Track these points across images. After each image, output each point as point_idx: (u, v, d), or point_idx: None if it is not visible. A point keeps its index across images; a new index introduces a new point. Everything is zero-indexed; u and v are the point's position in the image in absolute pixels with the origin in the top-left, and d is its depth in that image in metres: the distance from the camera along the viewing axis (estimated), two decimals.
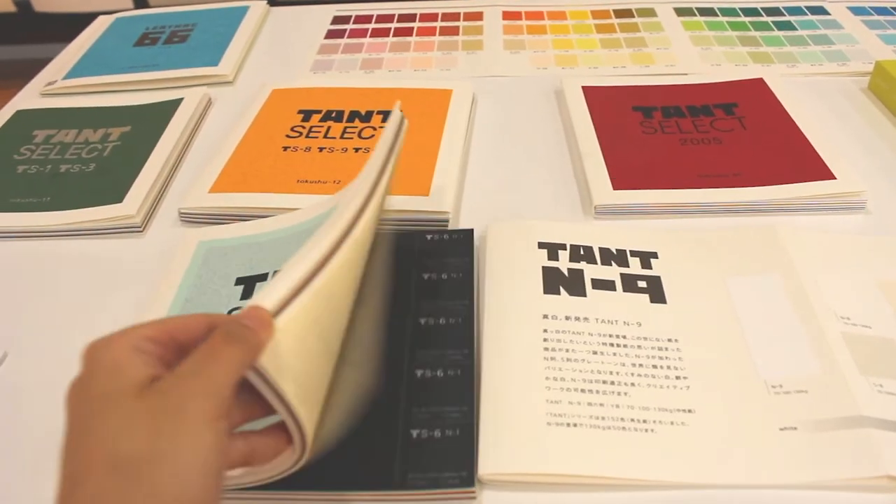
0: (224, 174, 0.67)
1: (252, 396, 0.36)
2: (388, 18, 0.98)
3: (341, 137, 0.71)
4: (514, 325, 0.51)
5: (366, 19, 0.99)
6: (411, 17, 0.98)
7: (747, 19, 0.94)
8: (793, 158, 0.66)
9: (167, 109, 0.78)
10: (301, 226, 0.59)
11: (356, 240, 0.43)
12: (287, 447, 0.38)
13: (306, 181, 0.65)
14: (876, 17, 0.93)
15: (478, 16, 0.97)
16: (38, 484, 0.39)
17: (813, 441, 0.44)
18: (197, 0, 1.06)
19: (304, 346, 0.38)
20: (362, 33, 0.95)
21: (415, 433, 0.45)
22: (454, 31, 0.94)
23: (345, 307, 0.44)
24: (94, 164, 0.70)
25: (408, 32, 0.94)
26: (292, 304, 0.37)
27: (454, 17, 0.97)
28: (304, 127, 0.73)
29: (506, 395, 0.47)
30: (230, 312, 0.53)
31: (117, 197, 0.65)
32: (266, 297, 0.36)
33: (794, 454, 0.44)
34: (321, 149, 0.69)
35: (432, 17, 0.98)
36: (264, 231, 0.60)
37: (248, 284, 0.55)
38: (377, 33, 0.95)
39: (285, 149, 0.70)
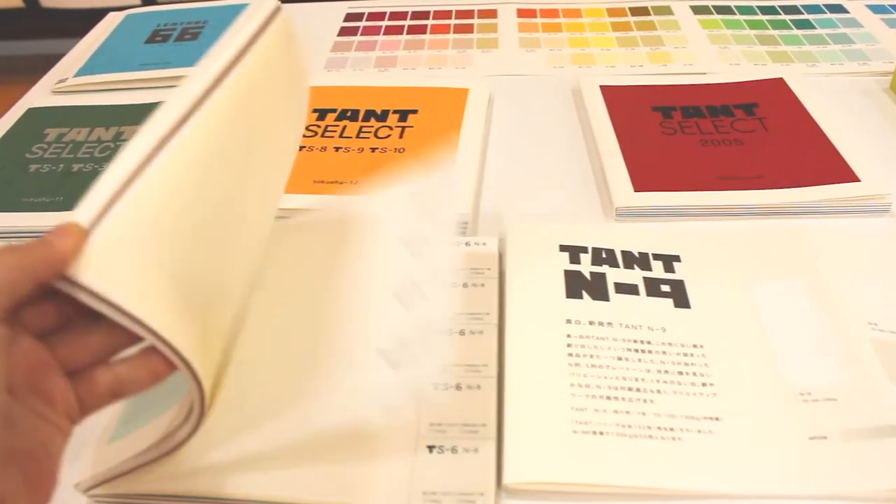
0: None
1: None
2: (401, 16, 0.97)
3: (357, 137, 0.70)
4: (538, 329, 0.50)
5: (379, 16, 0.98)
6: (425, 15, 0.97)
7: (765, 17, 0.93)
8: (816, 160, 0.66)
9: None
10: None
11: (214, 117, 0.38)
12: (164, 368, 0.35)
13: (322, 181, 0.64)
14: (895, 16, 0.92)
15: (492, 13, 0.96)
16: None
17: (843, 451, 0.44)
18: None
19: (165, 252, 0.35)
20: (376, 31, 0.94)
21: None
22: (469, 29, 0.93)
23: (235, 193, 0.40)
24: (107, 164, 0.69)
25: (422, 30, 0.94)
26: (112, 210, 0.33)
27: (468, 14, 0.97)
28: (319, 126, 0.72)
29: (530, 402, 0.46)
30: None
31: None
32: (77, 209, 0.33)
33: (825, 464, 0.43)
34: (337, 148, 0.69)
35: (446, 14, 0.97)
36: None
37: None
38: (391, 31, 0.94)
39: (301, 148, 0.69)
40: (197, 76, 0.39)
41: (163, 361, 0.35)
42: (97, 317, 0.32)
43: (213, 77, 0.39)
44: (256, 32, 0.42)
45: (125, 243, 0.33)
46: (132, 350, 0.35)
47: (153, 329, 0.33)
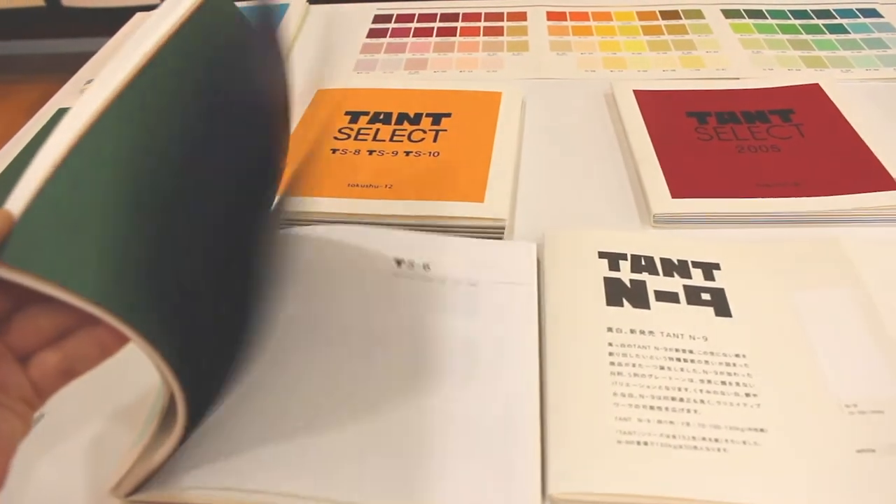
0: None
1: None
2: (430, 18, 0.97)
3: (391, 140, 0.70)
4: (579, 337, 0.50)
5: (408, 18, 0.98)
6: (454, 17, 0.97)
7: (797, 22, 0.92)
8: (854, 167, 0.65)
9: None
10: None
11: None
12: (112, 339, 0.35)
13: (357, 185, 0.64)
14: None
15: (521, 16, 0.96)
16: None
17: (891, 464, 0.43)
18: None
19: (103, 226, 0.34)
20: (405, 33, 0.94)
21: None
22: (499, 32, 0.93)
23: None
24: None
25: (451, 32, 0.93)
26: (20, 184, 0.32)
27: (498, 17, 0.96)
28: (351, 129, 0.72)
29: (573, 411, 0.46)
30: None
31: None
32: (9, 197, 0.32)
33: (873, 478, 0.42)
34: (371, 151, 0.68)
35: (475, 16, 0.97)
36: None
37: None
38: (420, 33, 0.94)
39: (334, 151, 0.69)
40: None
41: (109, 332, 0.34)
42: (47, 299, 0.32)
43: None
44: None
45: (52, 219, 0.32)
46: None
47: (83, 296, 0.32)
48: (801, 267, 0.56)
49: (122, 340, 0.35)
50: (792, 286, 0.54)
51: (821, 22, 0.92)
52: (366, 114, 0.74)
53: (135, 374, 0.47)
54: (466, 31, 0.93)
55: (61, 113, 0.78)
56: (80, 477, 0.45)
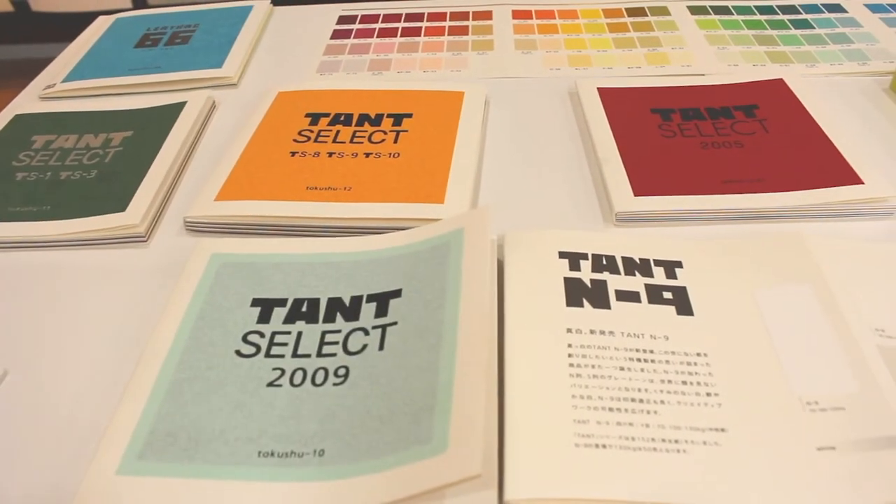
0: (230, 181, 0.64)
1: None
2: (395, 18, 0.96)
3: (351, 141, 0.69)
4: (538, 339, 0.49)
5: (372, 19, 0.96)
6: (419, 17, 0.96)
7: (763, 17, 0.92)
8: (818, 162, 0.64)
9: (170, 113, 0.76)
10: (325, 257, 0.57)
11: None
12: None
13: (316, 188, 0.63)
14: (895, 15, 0.91)
15: (487, 15, 0.95)
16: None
17: (852, 462, 0.42)
18: (199, 0, 1.04)
19: None
20: (369, 33, 0.93)
21: None
22: (464, 31, 0.92)
23: None
24: (96, 171, 0.68)
25: (416, 32, 0.92)
26: None
27: (463, 16, 0.95)
28: (312, 131, 0.71)
29: (531, 414, 0.45)
30: (245, 336, 0.51)
31: (120, 205, 0.63)
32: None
33: (834, 476, 0.42)
34: (331, 153, 0.67)
35: (440, 16, 0.96)
36: (286, 252, 0.58)
37: (265, 307, 0.53)
38: (384, 33, 0.93)
39: (293, 154, 0.67)
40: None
41: None
42: None
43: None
44: None
45: None
46: None
47: None
48: (763, 263, 0.55)
49: None
50: (755, 283, 0.54)
51: (786, 17, 0.92)
52: (326, 115, 0.73)
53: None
54: (431, 31, 0.92)
55: (18, 120, 0.77)
56: None
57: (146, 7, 1.07)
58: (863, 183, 0.62)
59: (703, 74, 0.80)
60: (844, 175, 0.63)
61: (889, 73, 0.79)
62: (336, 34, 0.93)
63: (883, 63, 0.81)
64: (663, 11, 0.94)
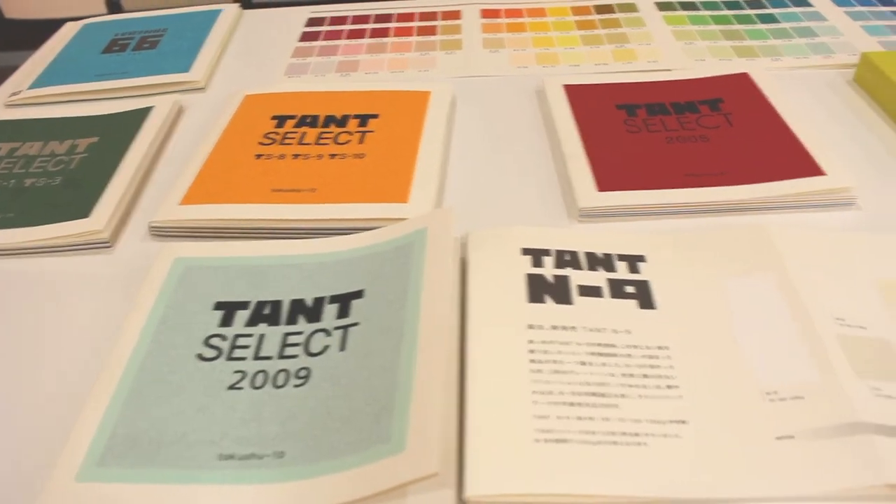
0: (195, 185, 0.64)
1: None
2: (364, 19, 0.96)
3: (317, 143, 0.69)
4: (499, 336, 0.49)
5: (341, 20, 0.96)
6: (388, 18, 0.96)
7: (730, 13, 0.92)
8: (781, 155, 0.65)
9: (137, 118, 0.75)
10: (289, 259, 0.57)
11: None
12: None
13: (281, 190, 0.63)
14: (859, 8, 0.92)
15: (456, 14, 0.95)
16: None
17: (811, 450, 0.43)
18: (172, 4, 1.04)
19: None
20: (338, 35, 0.93)
21: None
22: (432, 31, 0.92)
23: None
24: (61, 178, 0.68)
25: (384, 33, 0.92)
26: None
27: (432, 16, 0.95)
28: (277, 133, 0.71)
29: (492, 412, 0.45)
30: (207, 339, 0.51)
31: (85, 212, 0.63)
32: None
33: (792, 465, 0.42)
34: (296, 156, 0.67)
35: (409, 17, 0.96)
36: (250, 255, 0.58)
37: (228, 310, 0.53)
38: (353, 35, 0.93)
39: (259, 156, 0.67)
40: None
41: None
42: None
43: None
44: None
45: None
46: None
47: None
48: (726, 255, 0.55)
49: None
50: (717, 275, 0.54)
51: (753, 12, 0.92)
52: (292, 118, 0.73)
53: None
54: (400, 32, 0.92)
55: None
56: None
57: (121, 11, 1.06)
58: (825, 174, 0.62)
59: (669, 70, 0.81)
60: (806, 167, 0.63)
61: (853, 65, 0.80)
62: (305, 36, 0.93)
63: (847, 56, 0.82)
64: (631, 8, 0.94)
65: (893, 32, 0.86)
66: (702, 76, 0.77)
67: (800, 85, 0.78)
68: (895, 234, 0.57)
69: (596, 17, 0.93)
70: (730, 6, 0.94)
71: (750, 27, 0.89)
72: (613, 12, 0.94)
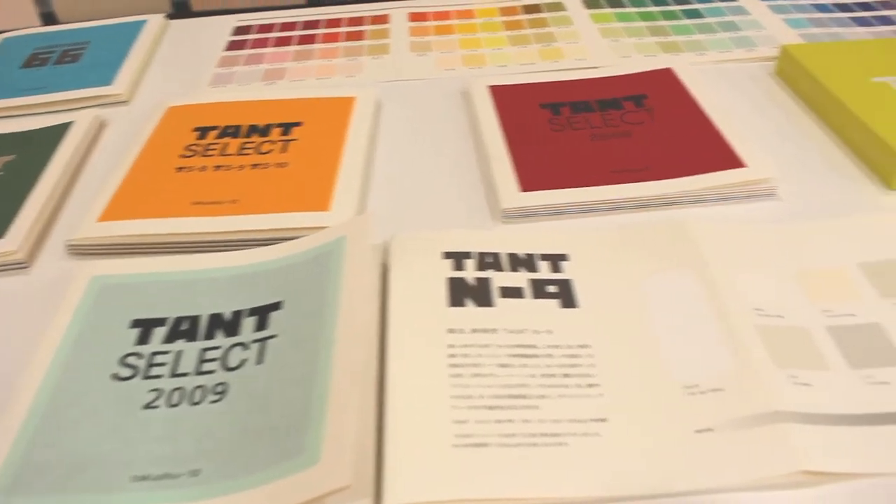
0: (114, 201, 0.63)
1: None
2: (291, 26, 0.95)
3: (239, 154, 0.68)
4: (419, 342, 0.49)
5: (268, 28, 0.95)
6: (316, 24, 0.95)
7: (656, 9, 0.93)
8: (703, 148, 0.65)
9: (55, 134, 0.73)
10: (208, 272, 0.56)
11: None
12: None
13: (201, 202, 0.62)
14: (781, 2, 0.93)
15: (384, 19, 0.95)
16: None
17: (729, 441, 0.43)
18: (107, 14, 1.02)
19: None
20: (264, 43, 0.92)
21: None
22: (360, 36, 0.91)
23: None
24: None
25: (312, 40, 0.91)
26: None
27: (360, 21, 0.95)
28: (199, 145, 0.69)
29: (411, 418, 0.44)
30: (124, 357, 0.50)
31: None
32: None
33: (711, 456, 0.42)
34: (217, 167, 0.66)
35: (337, 22, 0.95)
36: (169, 270, 0.56)
37: (145, 328, 0.52)
38: (280, 42, 0.91)
39: (180, 169, 0.66)
40: None
41: None
42: None
43: None
44: None
45: None
46: None
47: None
48: (648, 251, 0.56)
49: None
50: (639, 271, 0.54)
51: (678, 8, 0.93)
52: (215, 129, 0.71)
53: None
54: (328, 38, 0.91)
55: None
56: None
57: (56, 23, 1.04)
58: (745, 166, 0.63)
59: (595, 67, 0.81)
60: (728, 159, 0.64)
61: (774, 58, 0.81)
62: (231, 45, 0.92)
63: (769, 49, 0.83)
64: (558, 7, 0.95)
65: (814, 25, 0.87)
66: (626, 73, 0.78)
67: (723, 78, 0.79)
68: (814, 223, 0.58)
69: (523, 16, 0.93)
70: (656, 2, 0.95)
71: (675, 23, 0.90)
72: (541, 11, 0.94)
